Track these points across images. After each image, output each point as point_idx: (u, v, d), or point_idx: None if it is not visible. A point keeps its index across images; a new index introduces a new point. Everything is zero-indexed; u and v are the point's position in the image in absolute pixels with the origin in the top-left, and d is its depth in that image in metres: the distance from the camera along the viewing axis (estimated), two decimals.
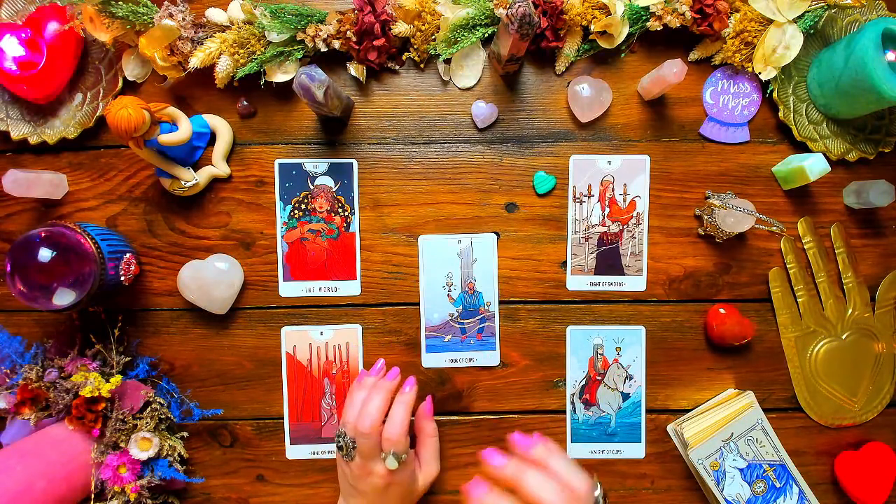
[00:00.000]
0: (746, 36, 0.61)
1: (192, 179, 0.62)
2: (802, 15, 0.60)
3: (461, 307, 0.65)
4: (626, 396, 0.66)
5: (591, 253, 0.65)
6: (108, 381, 0.59)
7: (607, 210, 0.65)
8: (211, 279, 0.62)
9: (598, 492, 0.46)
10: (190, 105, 0.64)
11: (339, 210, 0.65)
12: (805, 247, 0.65)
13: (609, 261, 0.65)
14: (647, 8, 0.60)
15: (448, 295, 0.65)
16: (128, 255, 0.61)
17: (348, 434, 0.56)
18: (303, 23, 0.60)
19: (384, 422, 0.56)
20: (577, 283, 0.65)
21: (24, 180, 0.60)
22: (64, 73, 0.62)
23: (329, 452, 0.66)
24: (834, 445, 0.66)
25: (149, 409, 0.62)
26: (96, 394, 0.58)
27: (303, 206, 0.65)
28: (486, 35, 0.61)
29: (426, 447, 0.62)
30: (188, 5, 0.60)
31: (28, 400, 0.60)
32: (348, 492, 0.59)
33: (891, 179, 0.62)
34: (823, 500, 0.64)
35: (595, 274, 0.65)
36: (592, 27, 0.61)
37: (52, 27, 0.60)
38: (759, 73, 0.62)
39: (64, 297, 0.55)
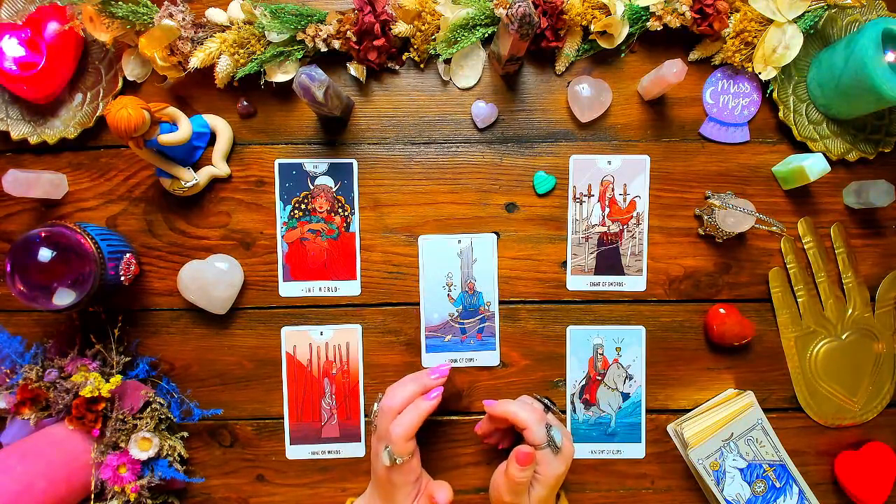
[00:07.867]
0: (746, 36, 0.61)
1: (192, 179, 0.62)
2: (802, 15, 0.60)
3: (461, 307, 0.65)
4: (626, 396, 0.66)
5: (591, 253, 0.65)
6: (108, 381, 0.59)
7: (607, 210, 0.65)
8: (211, 279, 0.62)
9: (548, 415, 0.59)
10: (190, 105, 0.64)
11: (339, 210, 0.65)
12: (805, 247, 0.65)
13: (609, 261, 0.65)
14: (647, 8, 0.60)
15: (448, 295, 0.65)
16: (128, 255, 0.61)
17: (376, 408, 0.59)
18: (303, 23, 0.60)
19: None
20: (577, 283, 0.65)
21: (24, 180, 0.60)
22: (64, 73, 0.62)
23: (328, 452, 0.66)
24: (834, 445, 0.66)
25: (149, 409, 0.62)
26: (96, 394, 0.58)
27: (303, 206, 0.65)
28: (486, 35, 0.61)
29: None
30: (188, 5, 0.60)
31: (28, 400, 0.60)
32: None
33: (891, 179, 0.62)
34: (823, 500, 0.64)
35: (595, 274, 0.65)
36: (592, 27, 0.61)
37: (52, 27, 0.60)
38: (759, 73, 0.62)
39: (64, 297, 0.55)
